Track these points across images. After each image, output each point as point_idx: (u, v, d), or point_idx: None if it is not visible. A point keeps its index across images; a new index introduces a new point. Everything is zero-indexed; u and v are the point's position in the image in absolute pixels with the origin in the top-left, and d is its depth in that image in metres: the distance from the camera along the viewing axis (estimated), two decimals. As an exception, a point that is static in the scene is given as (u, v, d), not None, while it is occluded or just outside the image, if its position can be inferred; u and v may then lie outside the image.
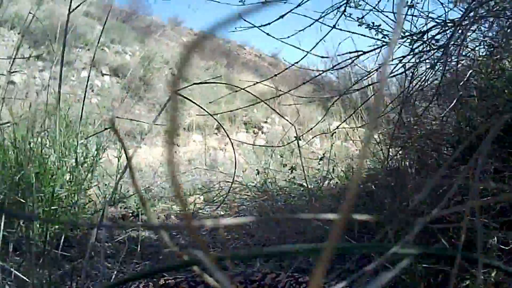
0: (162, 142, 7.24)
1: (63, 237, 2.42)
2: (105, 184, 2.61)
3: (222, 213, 3.36)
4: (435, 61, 1.67)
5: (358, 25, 2.17)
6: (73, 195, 2.59)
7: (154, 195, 3.47)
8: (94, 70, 9.94)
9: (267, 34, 2.22)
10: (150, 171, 4.88)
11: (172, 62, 10.26)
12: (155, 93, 9.16)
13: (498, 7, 1.66)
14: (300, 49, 2.27)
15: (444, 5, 1.84)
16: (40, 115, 3.21)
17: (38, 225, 2.43)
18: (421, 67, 1.89)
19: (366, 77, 2.67)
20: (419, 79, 1.92)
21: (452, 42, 1.49)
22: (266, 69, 11.69)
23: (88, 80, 2.34)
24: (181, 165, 5.48)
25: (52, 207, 2.49)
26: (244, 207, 3.08)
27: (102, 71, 9.85)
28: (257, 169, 3.11)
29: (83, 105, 2.41)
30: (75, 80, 9.85)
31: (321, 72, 2.48)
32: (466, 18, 1.60)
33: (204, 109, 1.31)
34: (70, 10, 1.72)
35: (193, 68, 9.96)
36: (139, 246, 2.30)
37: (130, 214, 2.96)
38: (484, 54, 1.89)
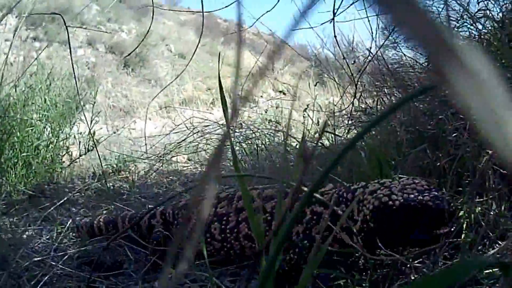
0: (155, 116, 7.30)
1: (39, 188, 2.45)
2: (80, 133, 2.64)
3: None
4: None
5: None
6: (51, 146, 2.61)
7: (137, 156, 3.50)
8: (90, 48, 9.92)
9: None
10: (140, 140, 4.92)
11: (168, 39, 10.21)
12: (150, 69, 9.15)
13: None
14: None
15: None
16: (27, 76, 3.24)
17: (14, 177, 2.45)
18: None
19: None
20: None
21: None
22: (264, 47, 11.62)
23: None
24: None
25: (31, 157, 2.51)
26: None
27: (98, 49, 9.83)
28: (240, 123, 3.11)
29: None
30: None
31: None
32: None
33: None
34: None
35: (189, 44, 9.93)
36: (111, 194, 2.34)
37: (110, 170, 2.99)
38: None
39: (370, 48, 2.33)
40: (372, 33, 2.35)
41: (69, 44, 1.21)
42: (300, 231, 1.30)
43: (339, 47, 2.12)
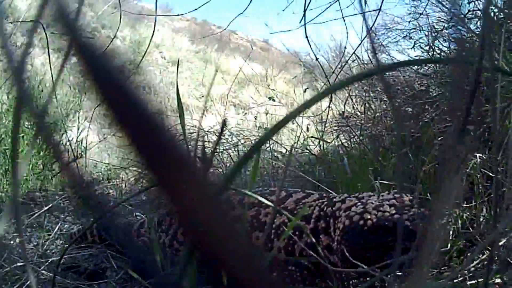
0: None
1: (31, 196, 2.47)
2: (69, 140, 2.66)
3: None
4: None
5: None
6: (42, 153, 2.63)
7: (121, 166, 3.54)
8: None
9: None
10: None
11: (162, 46, 10.27)
12: (144, 76, 9.21)
13: None
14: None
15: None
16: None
17: (5, 183, 2.47)
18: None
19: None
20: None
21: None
22: (257, 54, 11.73)
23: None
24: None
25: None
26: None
27: (92, 55, 9.88)
28: (230, 132, 3.14)
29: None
30: (65, 66, 9.86)
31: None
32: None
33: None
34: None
35: (183, 51, 9.99)
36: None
37: (101, 178, 3.01)
38: None
39: (355, 51, 2.37)
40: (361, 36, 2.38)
41: (48, 51, 1.24)
42: (281, 246, 1.21)
43: (312, 50, 2.15)
